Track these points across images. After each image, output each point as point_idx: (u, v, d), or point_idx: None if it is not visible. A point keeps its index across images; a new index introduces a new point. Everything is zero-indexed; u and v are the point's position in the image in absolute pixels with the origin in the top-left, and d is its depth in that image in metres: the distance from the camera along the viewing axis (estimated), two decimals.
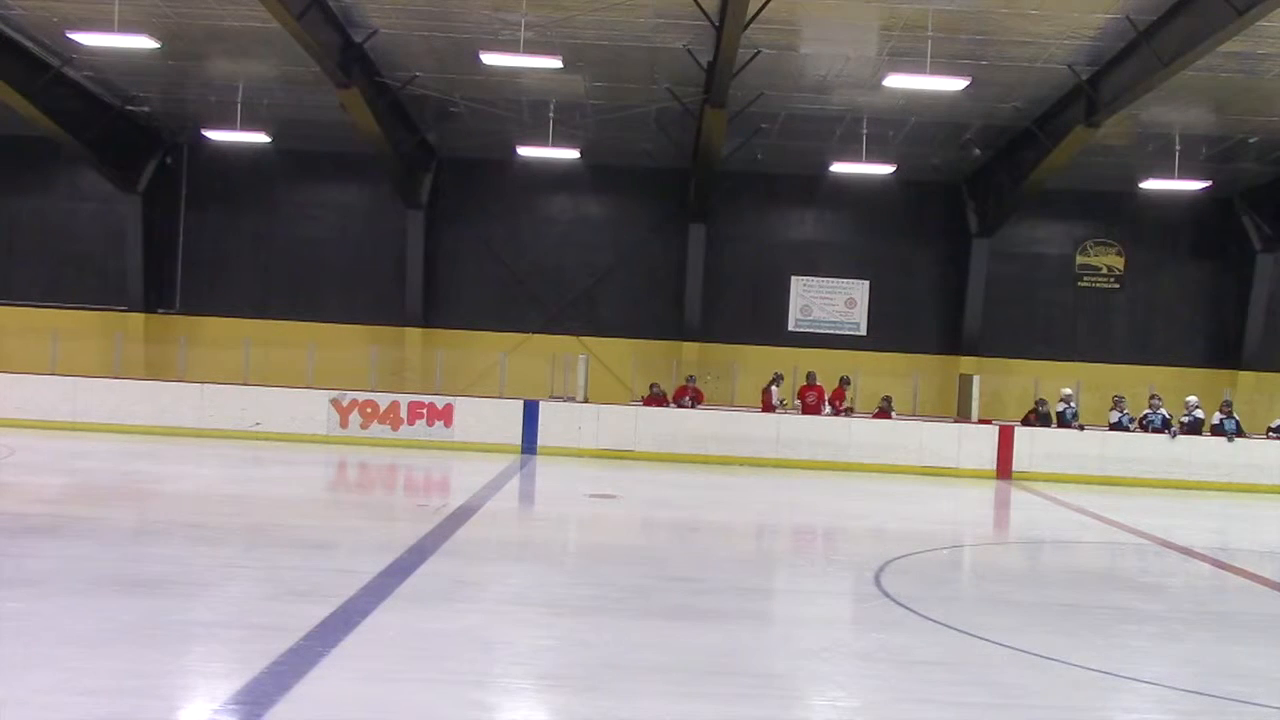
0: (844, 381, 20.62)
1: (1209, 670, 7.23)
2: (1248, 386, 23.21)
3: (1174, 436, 19.48)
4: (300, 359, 21.40)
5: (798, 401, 20.49)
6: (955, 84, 16.45)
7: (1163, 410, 19.98)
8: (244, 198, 24.03)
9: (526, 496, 15.24)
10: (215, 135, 21.90)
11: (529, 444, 19.50)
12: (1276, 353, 23.61)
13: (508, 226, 24.07)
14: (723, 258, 23.68)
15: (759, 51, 16.19)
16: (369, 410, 19.65)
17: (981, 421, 20.32)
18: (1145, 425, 19.89)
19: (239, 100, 20.45)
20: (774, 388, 20.60)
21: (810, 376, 20.67)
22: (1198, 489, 18.99)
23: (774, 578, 10.21)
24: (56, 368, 20.94)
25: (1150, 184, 21.90)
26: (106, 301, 23.60)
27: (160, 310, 23.85)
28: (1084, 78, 16.97)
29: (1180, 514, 16.46)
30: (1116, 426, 19.85)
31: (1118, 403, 20.10)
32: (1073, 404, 20.15)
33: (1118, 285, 24.34)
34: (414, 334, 23.55)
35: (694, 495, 15.59)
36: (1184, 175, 21.16)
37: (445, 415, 19.63)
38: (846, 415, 20.25)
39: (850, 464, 19.30)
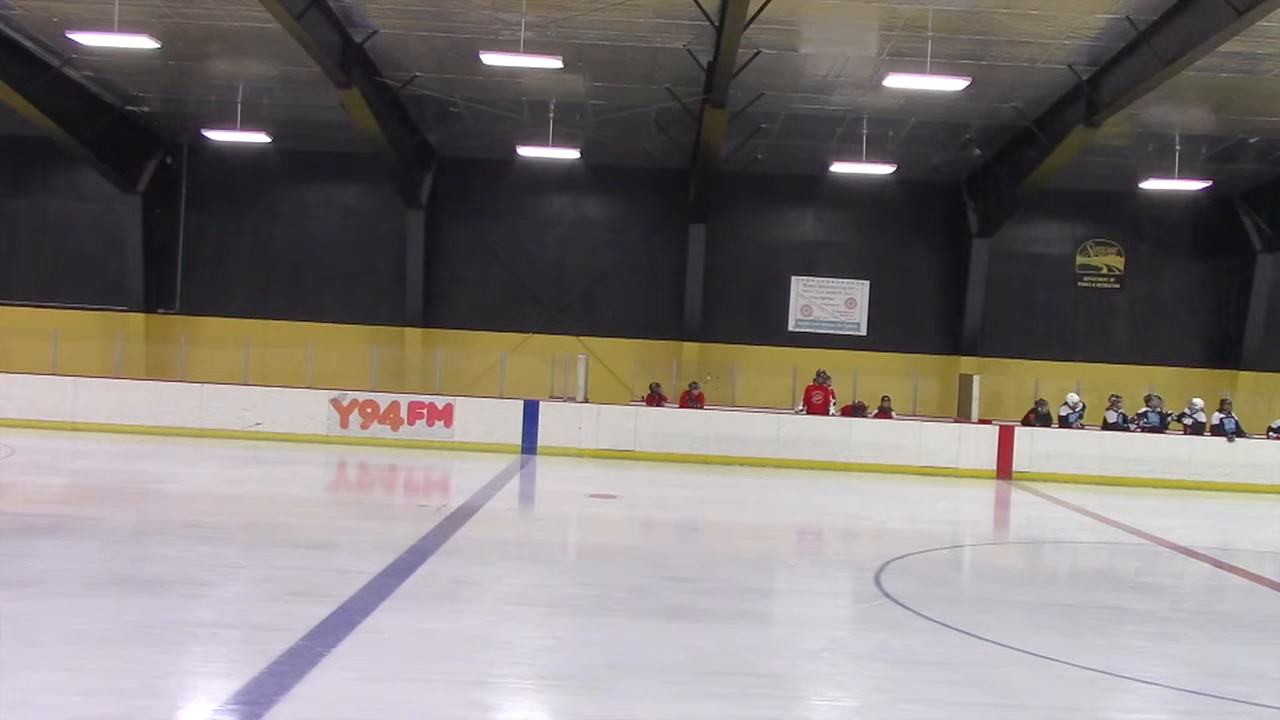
0: (858, 406, 20.57)
1: (1209, 670, 7.22)
2: (1248, 386, 23.21)
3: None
4: (300, 359, 21.40)
5: (802, 407, 20.48)
6: (955, 84, 16.45)
7: (1160, 410, 20.01)
8: (244, 198, 24.03)
9: (526, 496, 15.23)
10: (215, 135, 21.90)
11: (529, 444, 19.50)
12: (1276, 353, 23.60)
13: (508, 226, 24.07)
14: (723, 258, 23.67)
15: (759, 51, 16.18)
16: (369, 410, 19.65)
17: (981, 421, 20.33)
18: (1140, 423, 19.91)
19: (239, 100, 20.45)
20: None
21: (819, 375, 20.63)
22: (1198, 489, 18.99)
23: (774, 578, 10.20)
24: (57, 368, 20.95)
25: (1150, 184, 21.89)
26: (106, 301, 23.60)
27: (160, 310, 23.85)
28: (1084, 78, 16.97)
29: (1180, 514, 16.46)
30: (1113, 426, 19.86)
31: (1114, 402, 20.11)
32: (1078, 409, 20.14)
33: (1118, 285, 24.34)
34: (414, 334, 23.55)
35: (694, 495, 15.59)
36: (1184, 175, 21.15)
37: (445, 415, 19.63)
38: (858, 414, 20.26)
39: (850, 464, 19.29)
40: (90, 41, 16.57)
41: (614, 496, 15.02)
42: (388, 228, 23.70)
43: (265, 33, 16.44)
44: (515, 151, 22.28)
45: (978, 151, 21.61)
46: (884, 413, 20.48)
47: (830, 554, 12.39)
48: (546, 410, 19.76)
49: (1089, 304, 24.34)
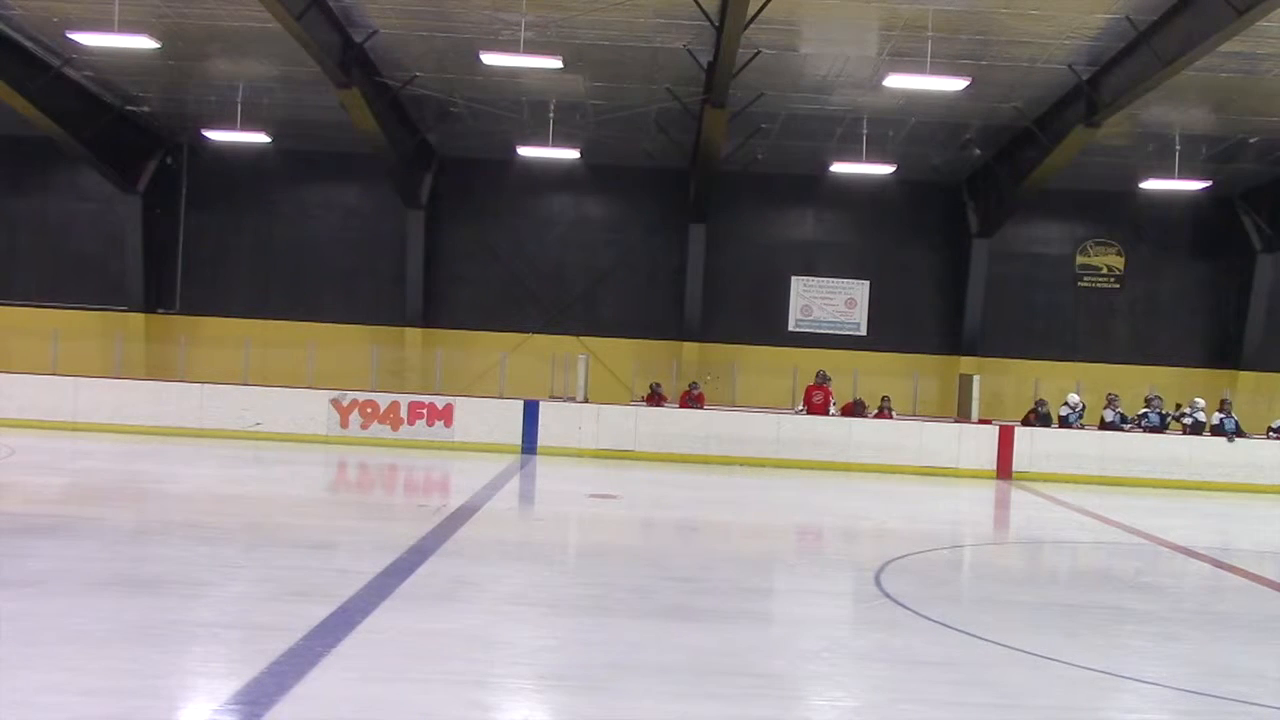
0: (858, 403, 20.54)
1: (1209, 670, 7.23)
2: (1248, 386, 23.22)
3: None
4: (300, 359, 21.41)
5: (802, 407, 20.48)
6: (955, 84, 16.45)
7: (1160, 410, 20.04)
8: (244, 198, 24.04)
9: (527, 496, 15.24)
10: (215, 135, 21.90)
11: (529, 444, 19.50)
12: (1276, 353, 23.60)
13: (508, 226, 24.07)
14: (723, 258, 23.68)
15: (759, 51, 16.18)
16: (369, 410, 19.65)
17: (981, 421, 20.32)
18: (1140, 423, 19.93)
19: (239, 100, 20.45)
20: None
21: (819, 376, 20.63)
22: (1198, 489, 18.99)
23: (774, 578, 10.20)
24: (57, 368, 20.96)
25: (1150, 184, 21.89)
26: (106, 301, 23.61)
27: (160, 310, 23.86)
28: (1084, 78, 16.97)
29: (1180, 514, 16.46)
30: (1109, 425, 19.87)
31: (1111, 401, 20.12)
32: (1078, 410, 20.15)
33: (1118, 285, 24.34)
34: (414, 334, 23.55)
35: (694, 495, 15.58)
36: (1184, 175, 21.15)
37: (445, 415, 19.63)
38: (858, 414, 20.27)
39: (850, 464, 19.30)
40: (90, 41, 16.57)
41: (614, 496, 15.03)
42: (388, 228, 23.71)
43: (265, 33, 16.44)
44: (515, 151, 22.28)
45: (978, 151, 21.61)
46: (884, 413, 20.48)
47: (830, 554, 12.39)
48: (546, 410, 19.76)
49: (1089, 304, 24.34)
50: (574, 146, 21.85)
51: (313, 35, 15.35)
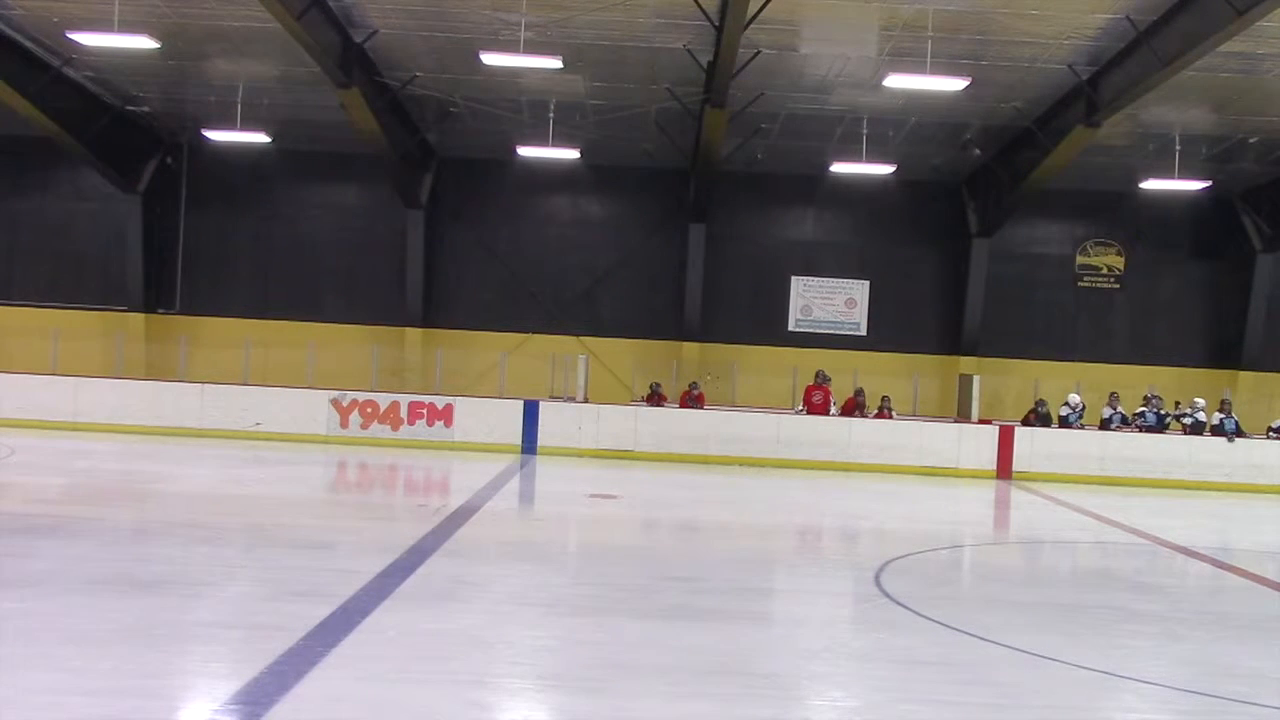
0: (859, 393, 20.50)
1: (1209, 670, 7.23)
2: (1248, 386, 23.22)
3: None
4: (300, 359, 21.42)
5: (802, 407, 20.47)
6: (955, 84, 16.44)
7: (1159, 410, 20.06)
8: (244, 198, 24.03)
9: (527, 496, 15.24)
10: (215, 135, 21.90)
11: (529, 444, 19.50)
12: (1276, 353, 23.61)
13: (508, 226, 24.07)
14: (723, 258, 23.67)
15: (759, 51, 16.18)
16: (369, 410, 19.65)
17: (981, 421, 20.32)
18: (1137, 422, 19.95)
19: (239, 100, 20.44)
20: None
21: (819, 376, 20.62)
22: (1198, 489, 19.00)
23: (774, 578, 10.20)
24: (57, 368, 20.97)
25: (1150, 184, 21.89)
26: (107, 301, 23.60)
27: (160, 310, 23.85)
28: (1084, 78, 16.97)
29: (1180, 514, 16.46)
30: (1105, 422, 19.89)
31: (1111, 400, 20.13)
32: (1079, 410, 20.17)
33: (1118, 285, 24.34)
34: (414, 334, 23.55)
35: (694, 495, 15.59)
36: (1184, 175, 21.15)
37: (445, 415, 19.63)
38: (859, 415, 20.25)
39: (850, 464, 19.30)
40: (90, 41, 16.57)
41: (614, 496, 15.02)
42: (388, 228, 23.69)
43: (265, 33, 16.44)
44: (515, 151, 22.27)
45: (978, 151, 21.59)
46: (884, 413, 20.48)
47: (830, 554, 12.38)
48: (546, 410, 19.76)
49: (1089, 304, 24.34)
50: (574, 146, 21.85)
51: (313, 35, 15.35)
